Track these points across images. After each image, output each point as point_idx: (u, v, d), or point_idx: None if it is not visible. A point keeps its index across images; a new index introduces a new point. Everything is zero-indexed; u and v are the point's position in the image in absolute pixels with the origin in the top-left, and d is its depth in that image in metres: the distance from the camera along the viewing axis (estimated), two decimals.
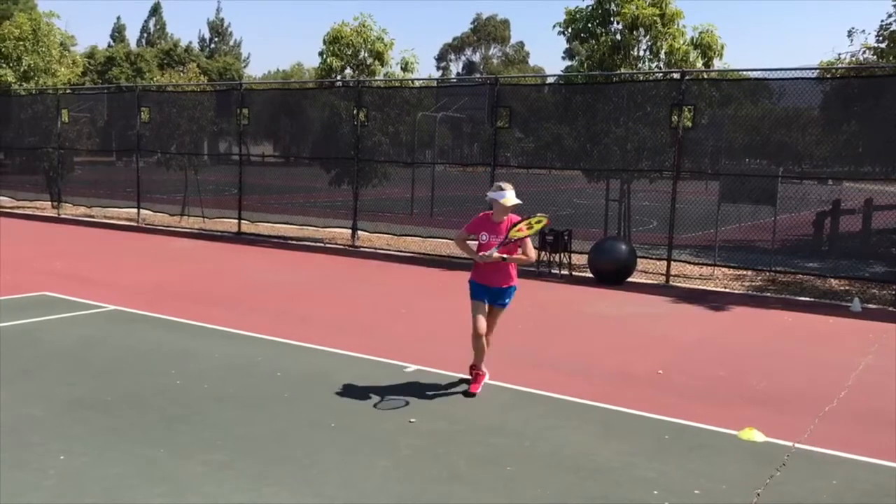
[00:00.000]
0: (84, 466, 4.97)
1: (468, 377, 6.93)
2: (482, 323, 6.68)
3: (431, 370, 7.39)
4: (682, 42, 14.59)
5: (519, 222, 6.52)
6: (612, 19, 15.03)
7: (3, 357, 7.35)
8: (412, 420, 6.01)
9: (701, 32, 14.76)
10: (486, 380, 6.91)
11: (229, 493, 4.67)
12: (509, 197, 6.58)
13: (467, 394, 6.70)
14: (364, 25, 18.17)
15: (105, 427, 5.68)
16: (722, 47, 14.75)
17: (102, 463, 5.03)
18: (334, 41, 18.07)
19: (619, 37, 14.90)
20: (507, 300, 6.81)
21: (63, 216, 21.61)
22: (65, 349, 7.80)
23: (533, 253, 6.85)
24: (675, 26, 14.64)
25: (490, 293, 6.75)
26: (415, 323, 9.63)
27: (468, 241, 6.97)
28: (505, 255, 6.56)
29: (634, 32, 14.66)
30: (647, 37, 14.75)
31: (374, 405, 6.37)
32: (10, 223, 19.57)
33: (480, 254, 6.63)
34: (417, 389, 6.85)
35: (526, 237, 6.59)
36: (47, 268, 12.64)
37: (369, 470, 5.07)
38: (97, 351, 7.77)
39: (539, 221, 6.59)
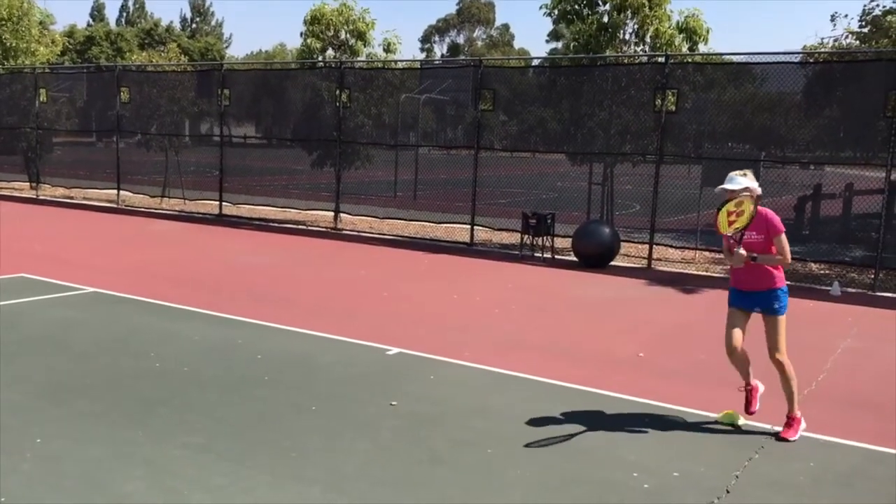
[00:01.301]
0: (62, 450, 4.93)
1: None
2: (735, 336, 5.71)
3: (413, 353, 7.38)
4: (667, 25, 14.55)
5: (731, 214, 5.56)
6: (599, 0, 14.96)
7: None
8: (393, 403, 6.00)
9: (687, 17, 14.72)
10: (760, 391, 5.85)
11: (208, 477, 4.64)
12: (727, 185, 5.66)
13: (779, 438, 5.57)
14: (345, 6, 18.00)
15: (83, 410, 5.63)
16: (707, 32, 14.73)
17: (80, 446, 4.99)
18: (314, 21, 17.91)
19: (606, 18, 14.83)
20: (773, 305, 5.63)
21: (42, 197, 21.36)
22: (43, 332, 7.71)
23: (788, 252, 5.64)
24: (662, 9, 14.59)
25: (748, 298, 5.75)
26: (397, 306, 9.61)
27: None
28: (756, 255, 5.58)
29: (622, 14, 14.60)
30: (634, 20, 14.69)
31: (356, 388, 6.35)
32: None
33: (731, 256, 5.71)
34: (399, 372, 6.84)
35: (746, 227, 5.56)
36: (25, 249, 12.49)
37: (350, 453, 5.06)
38: (76, 334, 7.70)
39: (738, 203, 5.54)
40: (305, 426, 5.49)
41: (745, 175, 5.73)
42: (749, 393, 5.82)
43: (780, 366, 5.63)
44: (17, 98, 22.21)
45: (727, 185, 5.68)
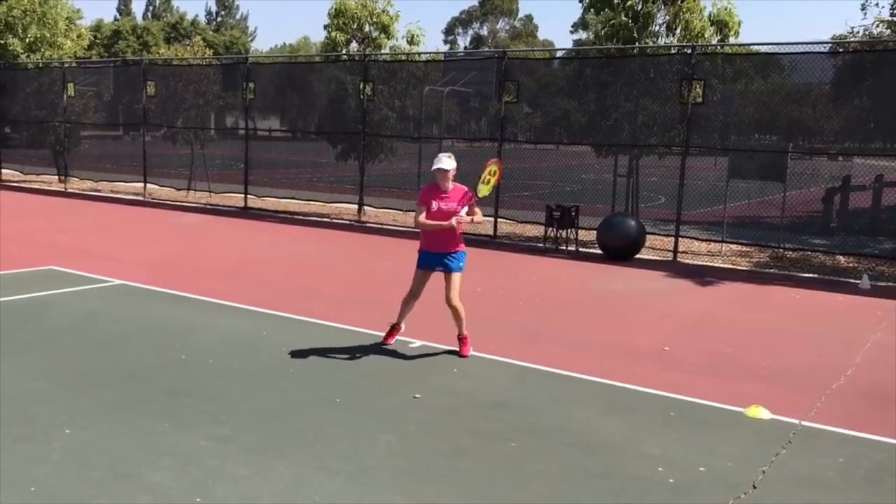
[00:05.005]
0: (89, 440, 4.98)
1: (456, 349, 7.25)
2: (418, 293, 7.19)
3: (436, 346, 7.38)
4: (699, 18, 14.34)
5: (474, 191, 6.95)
6: None
7: (9, 331, 7.37)
8: (417, 395, 6.01)
9: (720, 9, 14.51)
10: (396, 337, 7.42)
11: (233, 467, 4.67)
12: (445, 162, 6.90)
13: (460, 356, 7.08)
14: None
15: (110, 401, 5.69)
16: (739, 24, 14.51)
17: (107, 436, 5.04)
18: (338, 15, 17.92)
19: (639, 7, 14.64)
20: (461, 263, 7.08)
21: (70, 190, 21.61)
22: (70, 323, 7.81)
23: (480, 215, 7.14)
24: (696, 0, 14.40)
25: (442, 259, 7.03)
26: (420, 299, 9.58)
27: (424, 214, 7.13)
28: (462, 220, 6.88)
29: (655, 3, 14.43)
30: (666, 9, 14.49)
31: (379, 380, 6.36)
32: (17, 197, 19.59)
33: (448, 221, 6.85)
34: (422, 365, 6.85)
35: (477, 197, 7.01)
36: (53, 242, 12.66)
37: (373, 444, 5.07)
38: (102, 325, 7.78)
39: (492, 173, 7.05)
40: (329, 418, 5.51)
41: (450, 157, 7.00)
42: (393, 330, 7.42)
43: (455, 308, 7.00)
44: (45, 92, 22.47)
45: (443, 165, 6.88)
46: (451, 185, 6.97)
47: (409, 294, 7.20)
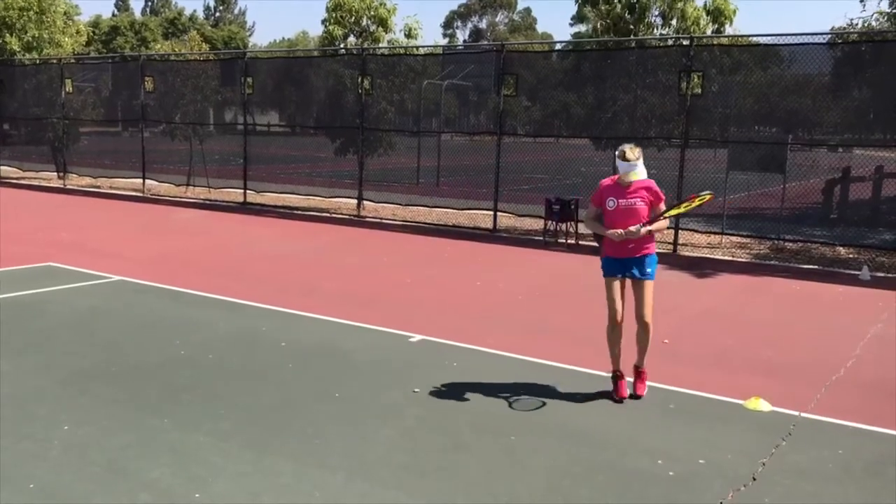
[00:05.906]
0: (89, 437, 4.98)
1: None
2: (619, 306, 5.96)
3: (436, 340, 7.37)
4: (694, 6, 14.33)
5: (683, 201, 5.97)
6: None
7: (9, 328, 7.37)
8: (416, 390, 6.00)
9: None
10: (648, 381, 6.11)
11: (233, 464, 4.67)
12: (640, 171, 5.85)
13: (634, 396, 5.94)
14: None
15: (110, 398, 5.69)
16: (734, 12, 14.49)
17: (107, 433, 5.04)
18: (336, 8, 17.90)
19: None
20: (650, 269, 5.93)
21: (69, 187, 21.59)
22: (70, 320, 7.80)
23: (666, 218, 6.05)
24: None
25: (629, 265, 5.93)
26: (420, 293, 9.60)
27: (598, 217, 6.04)
28: (651, 228, 5.85)
29: None
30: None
31: (379, 375, 6.36)
32: (16, 194, 19.56)
33: (620, 231, 5.79)
34: (422, 359, 6.84)
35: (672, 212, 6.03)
36: (53, 239, 12.64)
37: (374, 440, 5.07)
38: (102, 322, 7.77)
39: (703, 198, 5.92)
40: (329, 413, 5.50)
41: (633, 148, 5.93)
42: (623, 379, 6.02)
43: (647, 326, 5.94)
44: (44, 88, 22.43)
45: (625, 156, 5.85)
46: (633, 178, 5.85)
47: (609, 320, 5.99)
